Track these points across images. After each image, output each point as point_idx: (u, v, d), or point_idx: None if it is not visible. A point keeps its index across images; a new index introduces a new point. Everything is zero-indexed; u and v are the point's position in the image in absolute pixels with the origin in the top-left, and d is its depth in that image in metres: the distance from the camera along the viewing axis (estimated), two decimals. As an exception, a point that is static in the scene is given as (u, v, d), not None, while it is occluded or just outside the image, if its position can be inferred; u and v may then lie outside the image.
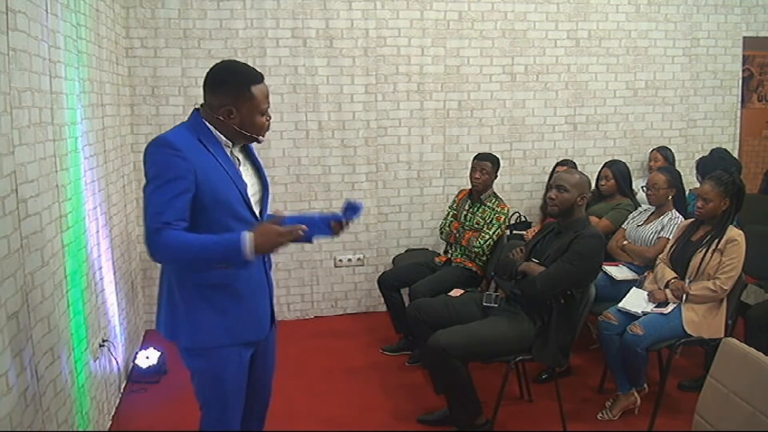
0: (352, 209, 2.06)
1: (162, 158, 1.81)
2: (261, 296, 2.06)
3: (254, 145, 2.06)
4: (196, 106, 1.96)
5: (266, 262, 2.09)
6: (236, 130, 1.92)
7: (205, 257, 1.84)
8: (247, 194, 1.96)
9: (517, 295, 2.92)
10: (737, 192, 3.05)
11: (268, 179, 2.12)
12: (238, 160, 2.01)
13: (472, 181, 3.90)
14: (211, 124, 1.91)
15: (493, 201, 3.87)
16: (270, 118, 1.99)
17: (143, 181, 1.85)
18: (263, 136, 1.98)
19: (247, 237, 1.79)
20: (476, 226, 3.85)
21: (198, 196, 1.83)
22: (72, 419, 2.33)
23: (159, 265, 2.00)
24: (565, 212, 2.86)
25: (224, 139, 1.93)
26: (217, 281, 1.92)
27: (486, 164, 3.85)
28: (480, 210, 3.88)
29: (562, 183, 2.85)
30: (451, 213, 4.08)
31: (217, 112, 1.89)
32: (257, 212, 2.02)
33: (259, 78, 1.92)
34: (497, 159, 3.92)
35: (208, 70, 1.92)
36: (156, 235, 1.76)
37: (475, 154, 3.99)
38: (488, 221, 3.81)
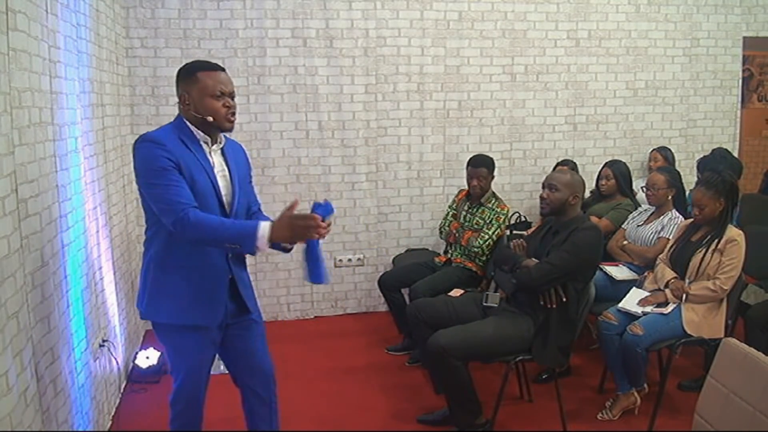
0: (321, 208, 1.97)
1: (149, 152, 1.98)
2: (218, 284, 2.13)
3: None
4: None
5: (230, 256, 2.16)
6: (196, 116, 2.05)
7: (224, 236, 1.94)
8: (221, 194, 2.09)
9: (516, 292, 2.91)
10: (730, 189, 3.03)
11: (238, 187, 2.16)
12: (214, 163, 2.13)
13: (470, 189, 3.90)
14: (187, 121, 2.08)
15: (493, 202, 3.87)
16: (230, 105, 2.08)
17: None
18: (229, 123, 2.09)
19: (264, 226, 1.91)
20: (476, 226, 3.85)
21: None
22: (72, 419, 2.33)
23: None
24: (556, 212, 2.85)
25: (202, 134, 2.08)
26: (177, 262, 2.06)
27: (482, 170, 3.83)
28: (480, 211, 3.87)
29: (553, 182, 2.84)
30: (450, 213, 4.08)
31: (181, 103, 2.08)
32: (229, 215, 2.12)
33: (208, 66, 2.09)
34: (492, 161, 3.90)
35: None
36: (185, 214, 1.91)
37: (468, 158, 3.95)
38: (488, 221, 3.81)
